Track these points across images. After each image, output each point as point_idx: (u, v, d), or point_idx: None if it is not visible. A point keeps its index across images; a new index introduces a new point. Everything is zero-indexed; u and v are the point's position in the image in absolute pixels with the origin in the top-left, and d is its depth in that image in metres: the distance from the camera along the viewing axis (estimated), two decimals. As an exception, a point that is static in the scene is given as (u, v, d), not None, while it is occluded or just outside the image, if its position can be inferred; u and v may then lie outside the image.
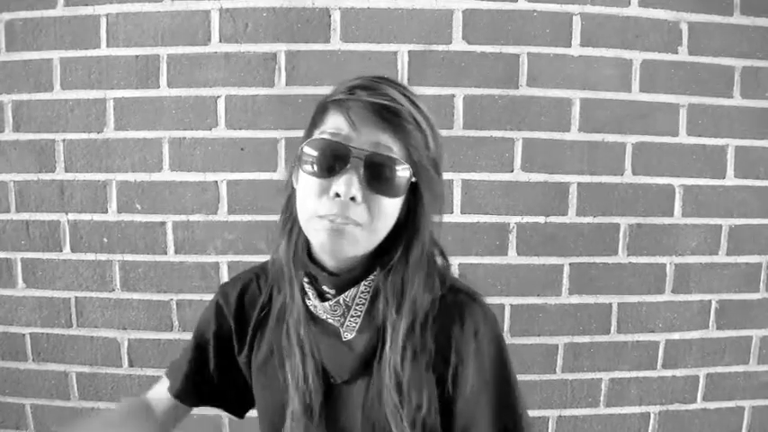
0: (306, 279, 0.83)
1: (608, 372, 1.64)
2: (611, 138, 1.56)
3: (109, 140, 1.55)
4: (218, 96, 1.53)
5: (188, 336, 0.97)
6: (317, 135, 0.78)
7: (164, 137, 1.54)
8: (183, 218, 1.56)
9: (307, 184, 0.77)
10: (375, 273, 0.81)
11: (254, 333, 0.91)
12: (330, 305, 0.81)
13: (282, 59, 1.52)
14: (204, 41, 1.52)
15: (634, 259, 1.60)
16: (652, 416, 1.66)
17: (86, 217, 1.58)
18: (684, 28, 1.55)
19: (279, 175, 1.54)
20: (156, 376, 1.59)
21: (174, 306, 1.59)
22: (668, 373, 1.65)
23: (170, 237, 1.56)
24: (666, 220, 1.60)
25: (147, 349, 1.61)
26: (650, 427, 1.67)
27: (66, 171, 1.56)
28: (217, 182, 1.55)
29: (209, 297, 0.97)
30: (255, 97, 1.53)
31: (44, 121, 1.55)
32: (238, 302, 0.93)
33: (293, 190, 0.83)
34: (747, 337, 1.66)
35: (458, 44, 1.52)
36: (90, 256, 1.59)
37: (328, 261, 0.81)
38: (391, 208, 0.77)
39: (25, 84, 1.55)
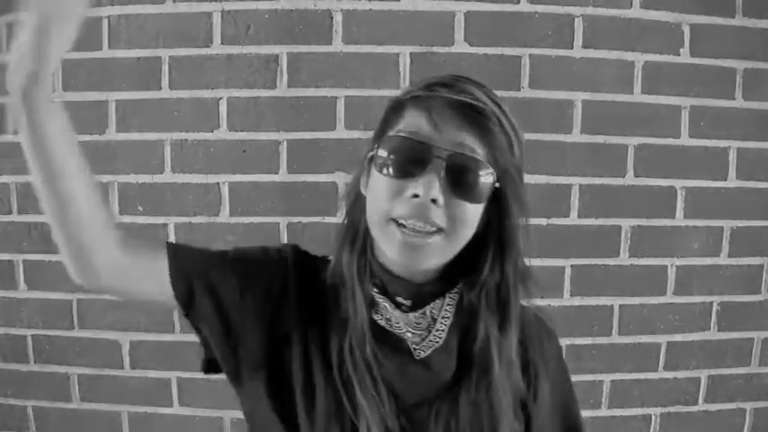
0: (375, 290, 0.75)
1: (609, 373, 1.63)
2: (612, 139, 1.56)
3: (111, 142, 1.55)
4: (220, 98, 1.53)
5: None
6: (392, 134, 0.71)
7: (165, 138, 1.54)
8: (185, 220, 1.56)
9: (380, 186, 0.70)
10: (459, 285, 0.76)
11: (304, 326, 0.77)
12: (414, 316, 0.74)
13: (284, 61, 1.52)
14: (206, 43, 1.52)
15: (636, 261, 1.60)
16: (653, 417, 1.66)
17: (88, 219, 1.57)
18: (686, 29, 1.55)
19: (281, 177, 1.54)
20: (157, 378, 1.60)
21: (176, 308, 1.58)
22: (670, 374, 1.65)
23: (172, 239, 1.56)
24: (668, 222, 1.60)
25: (148, 351, 1.61)
26: (652, 429, 1.66)
27: (68, 173, 1.56)
28: (219, 184, 1.55)
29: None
30: (257, 99, 1.52)
31: (46, 122, 1.55)
32: (306, 280, 0.79)
33: (356, 196, 0.77)
34: (749, 339, 1.66)
35: (459, 46, 1.52)
36: (92, 258, 1.58)
37: (398, 269, 0.74)
38: (473, 214, 0.71)
39: (27, 85, 1.54)
